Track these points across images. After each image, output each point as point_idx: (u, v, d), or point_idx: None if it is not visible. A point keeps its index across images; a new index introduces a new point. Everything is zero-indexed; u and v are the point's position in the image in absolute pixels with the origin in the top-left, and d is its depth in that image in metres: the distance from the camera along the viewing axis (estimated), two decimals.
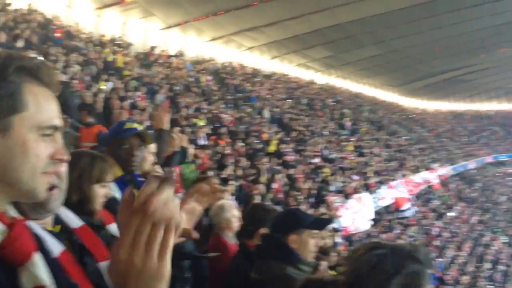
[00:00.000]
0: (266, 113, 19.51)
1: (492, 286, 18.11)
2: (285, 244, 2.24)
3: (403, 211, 20.80)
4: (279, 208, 2.79)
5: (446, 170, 30.08)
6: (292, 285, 2.02)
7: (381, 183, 19.46)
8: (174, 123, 9.28)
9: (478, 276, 18.31)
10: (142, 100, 11.21)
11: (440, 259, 18.17)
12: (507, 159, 47.17)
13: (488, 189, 34.19)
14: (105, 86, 10.57)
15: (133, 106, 9.98)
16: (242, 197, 8.29)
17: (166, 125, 3.27)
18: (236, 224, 3.25)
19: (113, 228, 1.97)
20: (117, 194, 2.55)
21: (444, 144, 40.17)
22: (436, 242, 19.77)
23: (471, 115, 56.45)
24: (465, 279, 17.40)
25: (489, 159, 44.17)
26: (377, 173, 20.71)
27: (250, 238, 2.71)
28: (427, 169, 26.57)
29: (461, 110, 57.28)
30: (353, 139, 23.65)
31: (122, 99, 9.76)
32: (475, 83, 48.91)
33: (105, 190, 2.01)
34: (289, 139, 17.48)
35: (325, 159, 17.82)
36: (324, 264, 2.34)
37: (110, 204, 2.22)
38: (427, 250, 1.32)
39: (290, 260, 2.20)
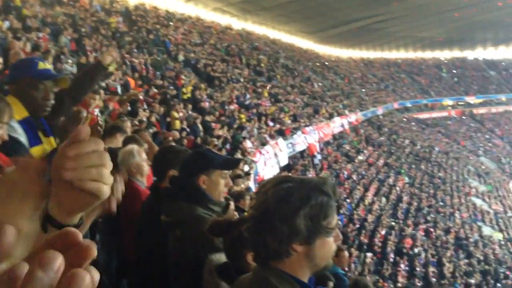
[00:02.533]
0: (181, 59, 19.03)
1: (395, 222, 19.62)
2: (195, 185, 2.20)
3: (316, 155, 21.69)
4: (189, 150, 2.71)
5: (356, 116, 31.48)
6: (202, 225, 2.00)
7: (296, 129, 20.00)
8: (80, 66, 8.77)
9: (382, 214, 19.76)
10: (44, 41, 10.40)
11: (349, 200, 19.34)
12: (411, 105, 50.37)
13: (394, 133, 36.38)
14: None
15: (35, 48, 9.24)
16: (157, 145, 8.11)
17: (106, 61, 2.93)
18: (146, 168, 3.16)
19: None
20: (22, 137, 2.35)
21: (355, 91, 41.83)
22: (346, 184, 20.92)
23: (381, 63, 58.98)
24: (371, 217, 18.72)
25: (395, 105, 46.78)
26: (292, 119, 21.21)
27: (161, 180, 2.65)
28: (340, 115, 27.63)
29: (371, 58, 59.62)
30: (269, 85, 23.87)
31: (20, 39, 8.98)
32: (385, 31, 50.76)
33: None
34: (204, 85, 17.25)
35: (241, 106, 17.89)
36: (232, 204, 2.34)
37: (8, 146, 2.04)
38: (334, 183, 1.31)
39: (199, 201, 2.17)
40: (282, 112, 20.93)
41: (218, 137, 11.98)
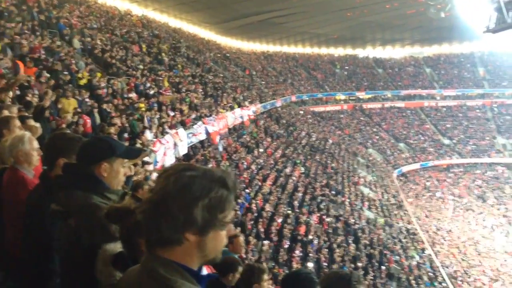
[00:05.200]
0: (76, 43, 18.05)
1: (290, 211, 20.38)
2: (90, 173, 2.13)
3: (216, 146, 21.84)
4: (83, 138, 2.60)
5: (256, 108, 32.12)
6: (97, 214, 1.96)
7: (196, 119, 19.94)
8: None
9: (279, 203, 20.42)
10: None
11: (248, 190, 19.74)
12: (308, 98, 52.48)
13: (291, 125, 37.68)
14: None
15: None
16: (49, 132, 7.67)
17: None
18: (36, 157, 2.99)
19: None
20: None
21: (255, 83, 42.61)
22: (245, 175, 21.31)
23: (280, 57, 60.62)
24: (268, 206, 19.29)
25: (293, 98, 48.43)
26: (193, 109, 21.11)
27: (51, 168, 2.52)
28: (240, 106, 28.00)
29: (271, 52, 61.06)
30: (169, 74, 23.50)
31: None
32: (285, 26, 52.26)
33: None
34: (101, 71, 16.55)
35: (141, 94, 17.44)
36: (130, 193, 2.31)
37: None
38: (235, 178, 1.33)
39: (95, 189, 2.11)
40: (183, 102, 20.74)
41: (116, 125, 11.58)
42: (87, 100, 12.16)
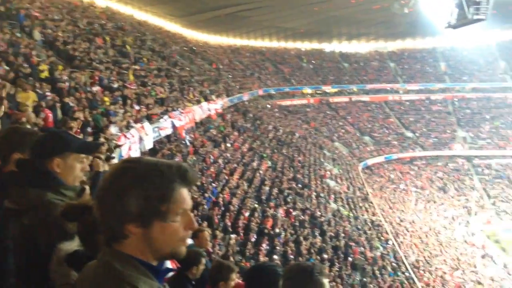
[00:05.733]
0: (37, 35, 17.52)
1: (257, 204, 20.46)
2: (45, 168, 2.06)
3: (183, 140, 21.67)
4: (39, 132, 2.52)
5: (223, 102, 32.01)
6: (52, 211, 1.90)
7: (162, 113, 19.70)
8: None
9: (246, 197, 20.46)
10: None
11: (215, 184, 19.69)
12: (275, 92, 52.66)
13: (258, 119, 37.74)
14: None
15: None
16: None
17: None
18: None
19: None
20: None
21: (222, 77, 42.44)
22: (212, 169, 21.25)
23: (247, 51, 60.55)
24: (235, 200, 19.30)
25: (260, 92, 48.51)
26: (158, 103, 20.84)
27: (5, 164, 2.44)
28: (207, 100, 27.84)
29: (238, 45, 60.90)
30: (135, 68, 23.12)
31: None
32: (252, 20, 52.22)
33: None
34: (64, 64, 16.13)
35: (105, 88, 17.09)
36: (88, 188, 2.25)
37: None
38: (188, 168, 1.29)
39: (50, 186, 2.05)
40: (148, 96, 20.44)
41: (78, 119, 11.31)
42: (48, 93, 11.82)
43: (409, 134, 53.14)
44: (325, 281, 2.01)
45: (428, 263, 27.71)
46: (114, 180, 1.23)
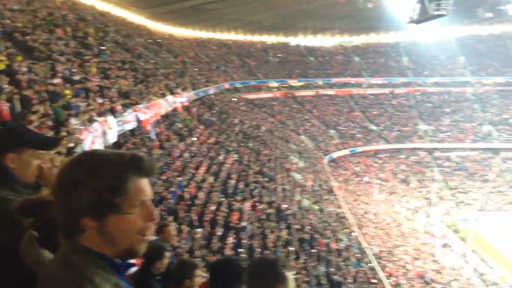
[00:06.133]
0: None
1: (224, 198, 20.42)
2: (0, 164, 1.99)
3: (148, 133, 21.38)
4: None
5: (189, 95, 31.75)
6: (5, 207, 1.84)
7: (126, 106, 19.37)
8: None
9: (213, 191, 20.40)
10: None
11: (181, 178, 19.54)
12: (241, 85, 52.60)
13: (224, 112, 37.65)
14: None
15: None
16: None
17: None
18: None
19: None
20: None
21: (188, 70, 42.08)
22: (178, 162, 21.08)
23: (213, 44, 60.20)
24: (201, 194, 19.21)
25: (226, 85, 48.36)
26: (122, 96, 20.48)
27: None
28: (172, 93, 27.55)
29: (204, 38, 60.46)
30: (97, 60, 22.61)
31: None
32: (217, 13, 51.83)
33: None
34: (22, 55, 15.62)
35: (67, 80, 16.65)
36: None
37: None
38: (147, 160, 1.26)
39: (4, 182, 1.98)
40: (112, 89, 20.05)
41: (38, 113, 11.01)
42: (5, 86, 11.43)
43: (373, 127, 54.10)
44: (289, 274, 2.01)
45: (390, 253, 28.39)
46: (66, 174, 1.21)
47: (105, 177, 1.19)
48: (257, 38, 65.28)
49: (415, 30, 59.27)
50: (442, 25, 55.02)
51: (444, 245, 32.33)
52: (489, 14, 57.37)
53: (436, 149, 50.83)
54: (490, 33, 65.87)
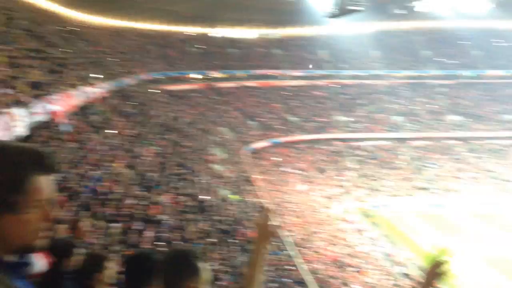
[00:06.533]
0: None
1: (145, 192, 20.12)
2: None
3: (60, 125, 20.52)
4: None
5: (106, 86, 30.76)
6: None
7: (37, 97, 18.45)
8: None
9: (131, 184, 20.03)
10: None
11: (97, 172, 18.99)
12: (161, 77, 51.76)
13: (143, 104, 36.90)
14: None
15: None
16: None
17: None
18: None
19: None
20: None
21: (104, 60, 40.67)
22: (94, 156, 20.44)
23: (132, 33, 58.57)
24: (118, 188, 18.81)
25: (146, 76, 47.36)
26: (33, 86, 19.46)
27: None
28: (87, 83, 26.56)
29: (122, 27, 58.63)
30: (5, 48, 21.27)
31: None
32: (135, 1, 50.48)
33: None
34: None
35: None
36: None
37: None
38: (46, 155, 1.22)
39: None
40: (21, 79, 18.98)
41: None
42: None
43: (293, 118, 55.54)
44: (202, 265, 2.05)
45: (308, 240, 29.49)
46: None
47: (1, 174, 1.13)
48: (177, 28, 64.33)
49: (333, 25, 61.67)
50: (358, 20, 57.72)
51: (358, 230, 34.11)
52: (401, 11, 60.98)
53: (351, 139, 53.30)
54: (400, 29, 69.95)
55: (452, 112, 58.86)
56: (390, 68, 64.94)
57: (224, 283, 16.79)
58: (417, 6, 64.16)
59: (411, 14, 64.90)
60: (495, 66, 66.09)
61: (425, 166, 48.42)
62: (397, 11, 61.78)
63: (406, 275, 27.09)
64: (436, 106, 60.11)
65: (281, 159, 47.68)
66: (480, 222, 37.18)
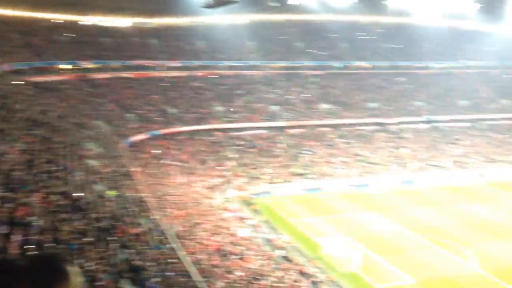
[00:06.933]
0: None
1: (7, 192, 18.55)
2: None
3: None
4: None
5: None
6: None
7: None
8: None
9: None
10: None
11: None
12: (25, 67, 47.83)
13: (6, 97, 33.84)
14: None
15: None
16: None
17: None
18: None
19: None
20: None
21: None
22: None
23: None
24: None
25: (8, 67, 43.60)
26: None
27: None
28: None
29: None
30: None
31: None
32: None
33: None
34: None
35: None
36: None
37: None
38: None
39: None
40: None
41: None
42: None
43: (171, 110, 54.85)
44: (71, 269, 1.90)
45: (190, 232, 29.48)
46: None
47: None
48: (42, 15, 59.56)
49: (210, 15, 61.84)
50: (235, 11, 58.68)
51: (240, 219, 34.90)
52: (274, 4, 63.19)
53: (231, 129, 54.20)
54: (275, 21, 72.44)
55: (324, 100, 62.63)
56: (266, 59, 66.96)
57: (103, 283, 16.16)
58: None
59: (285, 7, 67.43)
60: (360, 58, 71.60)
61: (301, 153, 51.03)
62: (271, 4, 63.78)
63: (286, 258, 28.43)
64: (309, 95, 63.50)
65: (161, 152, 46.92)
66: (350, 203, 40.31)
